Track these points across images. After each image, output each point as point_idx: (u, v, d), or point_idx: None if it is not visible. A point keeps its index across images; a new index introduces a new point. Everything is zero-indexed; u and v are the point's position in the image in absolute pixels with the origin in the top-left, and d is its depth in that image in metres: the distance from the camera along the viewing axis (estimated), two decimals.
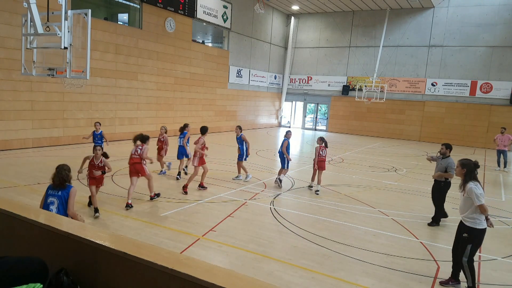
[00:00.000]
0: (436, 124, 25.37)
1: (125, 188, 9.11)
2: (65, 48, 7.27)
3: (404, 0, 24.21)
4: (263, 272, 5.29)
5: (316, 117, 30.48)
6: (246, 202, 8.60)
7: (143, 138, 8.13)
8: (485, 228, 5.08)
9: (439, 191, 7.93)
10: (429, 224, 7.89)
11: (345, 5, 26.36)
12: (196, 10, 20.73)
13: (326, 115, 30.09)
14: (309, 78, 29.89)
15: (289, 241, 6.53)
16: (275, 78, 29.99)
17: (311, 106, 30.98)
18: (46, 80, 13.38)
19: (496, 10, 23.32)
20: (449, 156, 7.78)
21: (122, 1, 19.06)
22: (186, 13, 20.08)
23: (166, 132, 11.06)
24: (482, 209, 4.96)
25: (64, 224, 2.85)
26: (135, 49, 17.45)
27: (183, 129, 10.99)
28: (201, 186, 9.49)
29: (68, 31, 7.28)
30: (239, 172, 10.93)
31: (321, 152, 9.95)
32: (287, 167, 10.44)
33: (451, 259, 6.28)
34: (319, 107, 30.32)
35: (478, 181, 5.13)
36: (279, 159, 10.78)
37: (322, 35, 29.16)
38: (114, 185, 9.37)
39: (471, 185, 5.03)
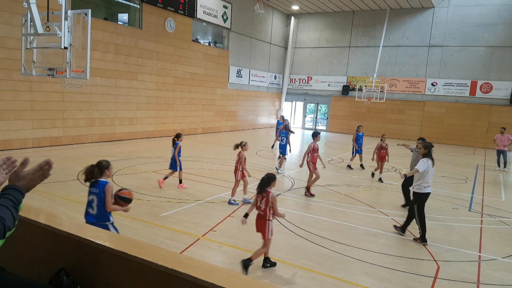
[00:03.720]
0: (436, 124, 25.37)
1: (125, 188, 9.10)
2: (65, 48, 7.28)
3: (404, 0, 24.22)
4: (263, 272, 5.29)
5: (316, 117, 30.48)
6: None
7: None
8: (427, 193, 6.83)
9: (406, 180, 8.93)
10: (403, 206, 9.06)
11: (345, 5, 26.36)
12: (196, 10, 20.73)
13: (326, 115, 30.09)
14: (309, 78, 29.89)
15: (289, 241, 6.53)
16: (275, 78, 29.99)
17: (311, 106, 30.97)
18: (46, 80, 13.38)
19: (496, 10, 23.32)
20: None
21: (122, 1, 19.06)
22: (186, 13, 20.08)
23: None
24: (413, 171, 6.87)
25: (64, 224, 2.85)
26: (135, 49, 17.45)
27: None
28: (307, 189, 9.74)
29: (68, 31, 7.28)
30: (281, 166, 12.55)
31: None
32: (354, 154, 13.78)
33: (451, 259, 6.31)
34: (319, 107, 30.33)
35: (432, 159, 6.85)
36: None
37: (322, 35, 29.15)
38: (114, 185, 9.35)
39: (423, 160, 6.79)
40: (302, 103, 30.77)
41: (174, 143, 9.36)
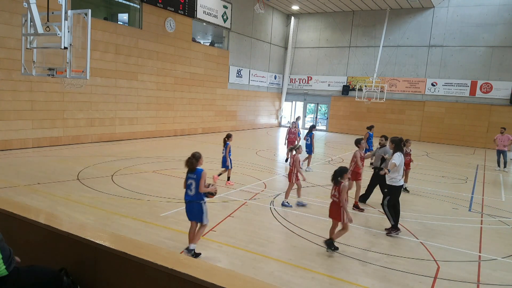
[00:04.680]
0: (436, 124, 25.36)
1: (125, 188, 9.10)
2: (65, 48, 7.28)
3: (404, 0, 24.22)
4: (263, 272, 5.29)
5: (316, 117, 30.48)
6: (246, 202, 8.60)
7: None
8: (401, 185, 7.15)
9: (377, 177, 8.70)
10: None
11: (345, 5, 26.36)
12: (196, 10, 20.73)
13: (326, 115, 30.09)
14: (309, 78, 29.89)
15: (289, 241, 6.53)
16: (275, 78, 29.99)
17: (311, 106, 30.97)
18: (46, 80, 13.38)
19: (496, 10, 23.32)
20: (386, 145, 8.85)
21: (122, 1, 19.06)
22: (186, 13, 20.07)
23: None
24: (392, 165, 6.97)
25: (64, 224, 2.85)
26: (135, 49, 17.45)
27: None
28: (355, 206, 8.71)
29: (68, 31, 7.28)
30: (308, 164, 12.93)
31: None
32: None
33: (451, 259, 6.30)
34: (319, 107, 30.33)
35: (403, 152, 7.24)
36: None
37: (322, 35, 29.15)
38: (114, 185, 9.37)
39: (397, 154, 7.09)
40: (302, 103, 30.77)
41: (225, 143, 9.92)
